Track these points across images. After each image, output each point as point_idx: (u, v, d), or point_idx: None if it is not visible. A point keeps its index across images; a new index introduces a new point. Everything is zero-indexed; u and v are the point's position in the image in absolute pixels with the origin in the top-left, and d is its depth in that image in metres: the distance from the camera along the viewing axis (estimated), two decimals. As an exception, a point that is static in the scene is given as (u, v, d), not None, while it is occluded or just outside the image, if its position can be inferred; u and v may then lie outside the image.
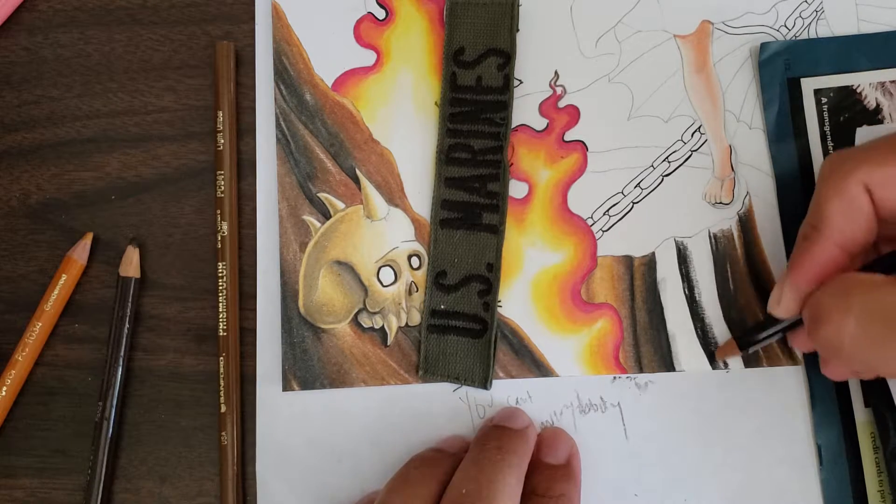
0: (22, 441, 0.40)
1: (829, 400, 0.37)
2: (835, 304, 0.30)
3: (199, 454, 0.39)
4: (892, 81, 0.39)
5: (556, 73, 0.41)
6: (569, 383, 0.39)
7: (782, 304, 0.34)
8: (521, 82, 0.40)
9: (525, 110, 0.40)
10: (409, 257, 0.40)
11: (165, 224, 0.41)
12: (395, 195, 0.40)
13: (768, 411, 0.38)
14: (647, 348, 0.38)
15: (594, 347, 0.39)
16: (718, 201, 0.39)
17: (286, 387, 0.39)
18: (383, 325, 0.39)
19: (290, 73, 0.41)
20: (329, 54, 0.41)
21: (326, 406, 0.39)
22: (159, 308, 0.40)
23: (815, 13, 0.40)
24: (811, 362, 0.38)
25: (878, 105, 0.39)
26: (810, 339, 0.32)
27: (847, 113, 0.39)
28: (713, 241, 0.39)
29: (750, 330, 0.37)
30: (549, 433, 0.37)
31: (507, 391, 0.39)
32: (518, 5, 0.40)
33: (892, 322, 0.29)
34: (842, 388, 0.37)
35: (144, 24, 0.42)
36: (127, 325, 0.39)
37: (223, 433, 0.38)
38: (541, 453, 0.36)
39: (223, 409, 0.39)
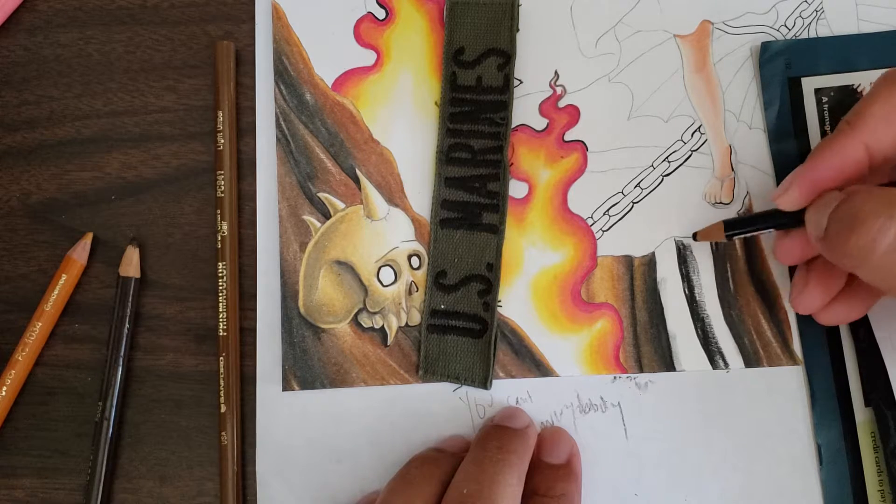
0: (22, 441, 0.40)
1: (829, 400, 0.37)
2: (878, 211, 0.30)
3: (199, 454, 0.39)
4: (893, 81, 0.39)
5: (556, 73, 0.41)
6: (569, 383, 0.39)
7: (789, 194, 0.34)
8: (521, 82, 0.40)
9: (525, 110, 0.40)
10: (409, 257, 0.40)
11: (165, 224, 0.41)
12: (395, 195, 0.40)
13: (768, 411, 0.38)
14: (648, 348, 0.38)
15: (594, 347, 0.39)
16: (718, 201, 0.39)
17: (286, 387, 0.39)
18: (383, 325, 0.39)
19: (290, 73, 0.41)
20: (329, 54, 0.41)
21: (326, 406, 0.39)
22: (159, 308, 0.40)
23: (815, 13, 0.40)
24: (811, 362, 0.38)
25: (878, 105, 0.39)
26: (833, 246, 0.31)
27: (847, 112, 0.39)
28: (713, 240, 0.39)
29: (741, 220, 0.36)
30: (550, 433, 0.37)
31: (507, 391, 0.39)
32: (518, 5, 0.40)
33: None
34: (842, 388, 0.37)
35: (144, 24, 0.42)
36: (127, 325, 0.39)
37: (223, 433, 0.38)
38: (541, 453, 0.36)
39: (223, 409, 0.39)
